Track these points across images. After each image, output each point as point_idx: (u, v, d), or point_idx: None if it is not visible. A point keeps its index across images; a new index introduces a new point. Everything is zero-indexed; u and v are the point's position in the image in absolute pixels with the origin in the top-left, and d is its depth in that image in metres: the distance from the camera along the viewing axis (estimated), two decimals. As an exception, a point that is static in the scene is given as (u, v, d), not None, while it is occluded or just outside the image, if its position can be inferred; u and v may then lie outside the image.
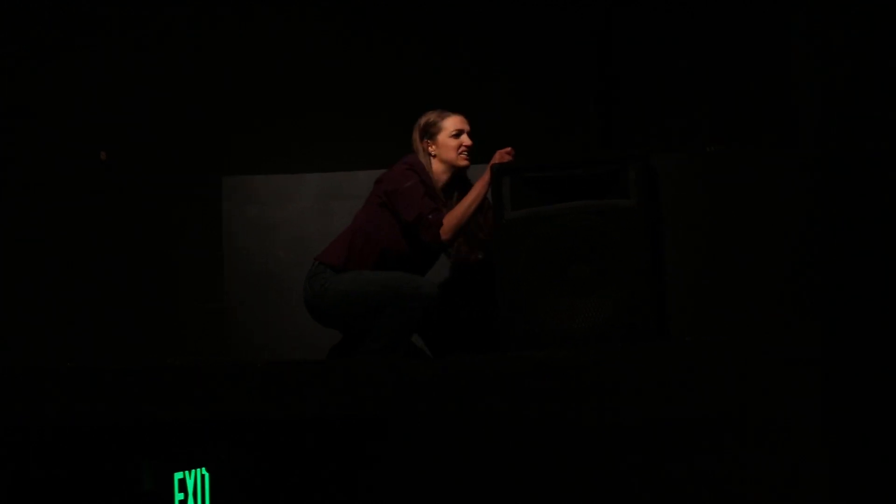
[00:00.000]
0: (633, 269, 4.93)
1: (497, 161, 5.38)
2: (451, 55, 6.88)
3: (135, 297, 6.73)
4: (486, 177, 5.41)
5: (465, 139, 5.70)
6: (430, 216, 5.50)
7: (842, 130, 3.92)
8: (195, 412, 4.31)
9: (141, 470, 4.14)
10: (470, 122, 5.74)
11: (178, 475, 4.18)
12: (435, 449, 4.38)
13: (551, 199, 5.11)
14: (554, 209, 5.06)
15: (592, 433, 4.27)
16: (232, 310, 6.73)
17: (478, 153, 5.70)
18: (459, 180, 5.75)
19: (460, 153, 5.69)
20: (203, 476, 4.28)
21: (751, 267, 6.13)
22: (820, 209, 4.02)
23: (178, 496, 4.16)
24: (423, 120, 5.74)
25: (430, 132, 5.71)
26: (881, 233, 3.84)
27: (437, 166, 5.71)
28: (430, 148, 5.71)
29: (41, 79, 6.70)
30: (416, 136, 5.74)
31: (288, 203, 6.79)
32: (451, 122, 5.70)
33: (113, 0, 6.85)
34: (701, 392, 4.19)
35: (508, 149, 5.46)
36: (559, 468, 4.29)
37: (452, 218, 5.49)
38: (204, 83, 6.91)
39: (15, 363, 5.52)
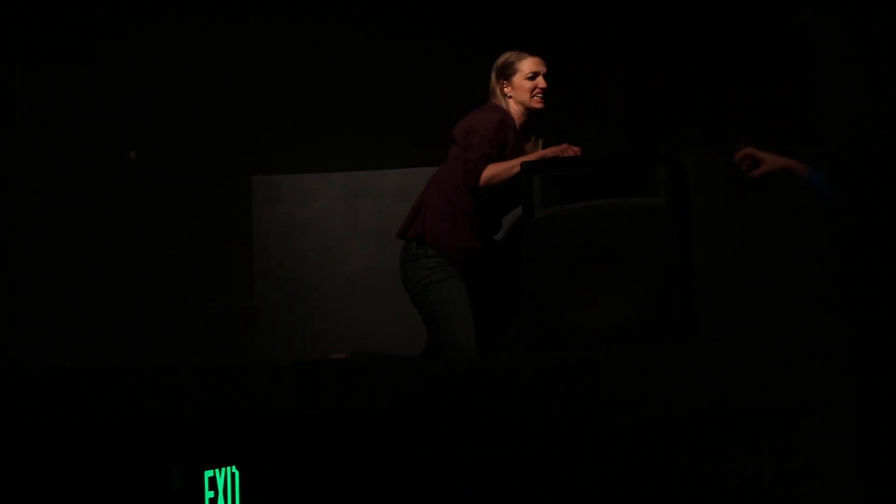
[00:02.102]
0: (660, 268, 4.92)
1: (559, 152, 5.37)
2: (476, 55, 6.88)
3: (163, 295, 6.76)
4: (544, 151, 5.40)
5: (541, 81, 5.60)
6: (476, 157, 5.45)
7: (867, 128, 3.91)
8: (225, 411, 4.32)
9: (170, 469, 4.15)
10: (547, 65, 5.65)
11: (208, 473, 4.19)
12: (461, 449, 4.38)
13: (580, 197, 5.11)
14: (582, 207, 5.06)
15: (619, 432, 4.27)
16: (260, 308, 6.75)
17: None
18: (537, 123, 5.67)
19: (534, 95, 5.59)
20: (233, 474, 4.29)
21: (778, 265, 6.12)
22: (845, 206, 4.01)
23: (209, 494, 4.18)
24: (500, 60, 5.65)
25: (506, 73, 5.62)
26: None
27: (513, 107, 5.62)
28: (505, 89, 5.62)
29: (73, 77, 6.73)
30: (493, 77, 5.65)
31: (314, 202, 6.81)
32: (527, 64, 5.62)
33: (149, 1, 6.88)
34: (726, 390, 4.19)
35: (576, 148, 5.43)
36: (584, 468, 4.29)
37: (492, 169, 5.42)
38: (233, 84, 6.93)
39: (44, 362, 5.55)
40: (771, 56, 6.54)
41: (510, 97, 5.61)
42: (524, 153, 5.57)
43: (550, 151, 5.42)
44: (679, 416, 4.18)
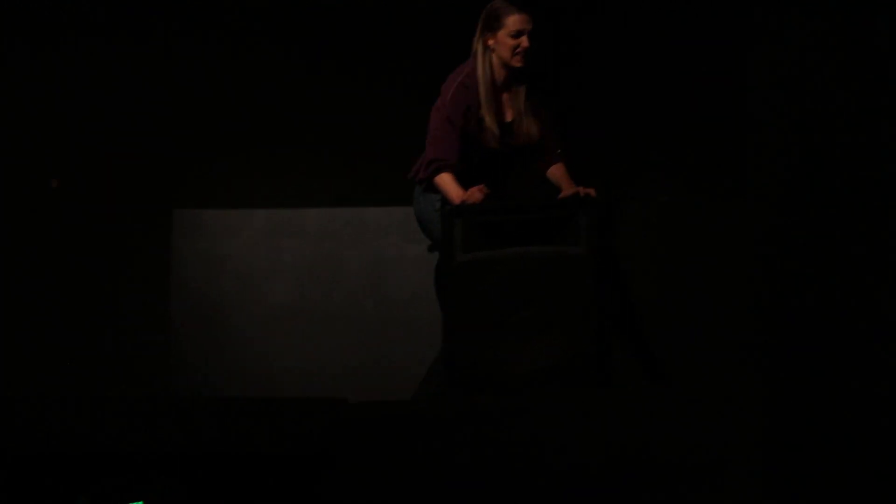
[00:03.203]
0: (579, 316, 4.93)
1: (469, 197, 5.31)
2: (397, 93, 6.86)
3: (80, 327, 6.69)
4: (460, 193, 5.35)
5: (524, 41, 5.39)
6: (426, 159, 5.40)
7: (790, 183, 3.95)
8: (135, 445, 4.28)
9: (77, 502, 4.10)
10: (533, 22, 5.43)
11: (116, 508, 4.14)
12: (370, 490, 4.36)
13: (502, 242, 5.12)
14: (505, 253, 5.07)
15: (529, 479, 4.27)
16: (177, 342, 6.70)
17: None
18: (517, 79, 5.49)
19: (516, 54, 5.40)
20: (142, 510, 4.25)
21: (702, 313, 6.16)
22: (768, 257, 4.05)
23: (117, 529, 4.13)
24: (487, 9, 5.45)
25: (491, 25, 5.43)
26: (827, 285, 3.87)
27: (494, 60, 5.45)
28: (489, 41, 5.44)
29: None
30: (479, 25, 5.47)
31: (236, 237, 6.78)
32: (513, 21, 5.40)
33: (69, 27, 6.82)
34: (642, 436, 4.20)
35: (481, 186, 5.36)
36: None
37: (440, 181, 5.35)
38: (156, 116, 6.88)
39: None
40: (697, 109, 6.60)
41: (492, 50, 5.45)
42: (502, 105, 5.48)
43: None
44: (590, 465, 4.19)
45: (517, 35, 5.40)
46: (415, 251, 6.35)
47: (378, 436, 4.33)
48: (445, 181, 5.34)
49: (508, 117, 5.48)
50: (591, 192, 5.28)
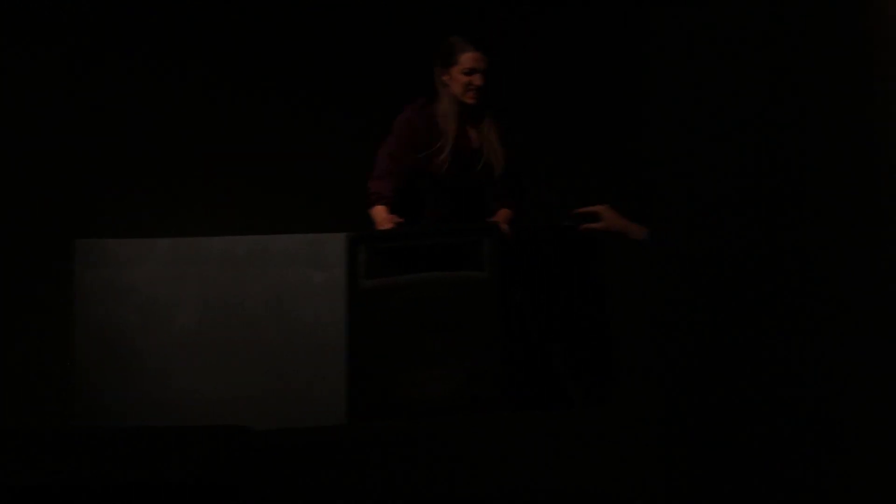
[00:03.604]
0: (482, 341, 4.97)
1: (386, 224, 5.36)
2: (300, 121, 6.86)
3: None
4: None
5: (476, 79, 5.47)
6: (369, 190, 5.47)
7: (688, 201, 4.00)
8: (38, 477, 4.24)
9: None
10: (487, 61, 5.51)
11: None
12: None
13: (406, 268, 5.14)
14: (408, 279, 5.09)
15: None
16: (81, 372, 6.64)
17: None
18: (474, 115, 5.56)
19: (468, 91, 5.47)
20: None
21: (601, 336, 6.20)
22: (668, 278, 4.09)
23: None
24: (443, 44, 5.54)
25: (446, 61, 5.52)
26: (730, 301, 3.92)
27: (449, 95, 5.52)
28: (443, 77, 5.52)
29: None
30: (436, 58, 5.54)
31: (139, 267, 6.74)
32: (466, 59, 5.48)
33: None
34: (544, 464, 4.23)
35: (394, 217, 5.40)
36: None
37: (374, 212, 5.45)
38: (58, 145, 6.84)
39: None
40: (599, 132, 6.66)
41: (447, 85, 5.52)
42: (469, 139, 5.54)
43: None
44: (490, 493, 4.21)
45: (470, 73, 5.48)
46: (319, 278, 6.36)
47: (281, 464, 4.33)
48: (375, 213, 5.44)
49: (466, 152, 5.52)
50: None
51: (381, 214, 5.41)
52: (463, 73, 5.48)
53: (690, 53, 3.81)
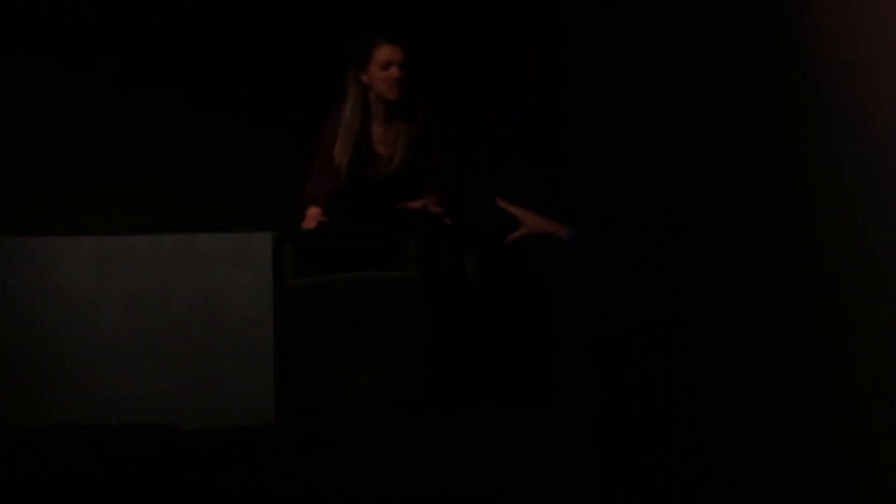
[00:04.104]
0: (409, 342, 4.98)
1: (305, 226, 5.36)
2: (223, 120, 6.82)
3: None
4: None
5: (394, 72, 5.39)
6: (304, 192, 5.47)
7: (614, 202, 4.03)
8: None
9: None
10: (404, 51, 5.43)
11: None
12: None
13: (333, 268, 5.15)
14: (335, 279, 5.10)
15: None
16: (4, 372, 6.59)
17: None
18: (400, 107, 5.49)
19: (389, 86, 5.40)
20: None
21: (529, 336, 6.23)
22: (593, 275, 4.12)
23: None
24: (356, 45, 5.47)
25: (361, 62, 5.44)
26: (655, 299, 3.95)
27: (372, 96, 5.45)
28: (362, 78, 5.44)
29: None
30: (352, 61, 5.47)
31: (63, 266, 6.70)
32: (381, 53, 5.40)
33: None
34: (471, 464, 4.25)
35: (318, 214, 5.38)
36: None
37: (306, 213, 5.45)
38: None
39: None
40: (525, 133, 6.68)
41: (368, 86, 5.45)
42: (382, 138, 5.51)
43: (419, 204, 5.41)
44: (416, 493, 4.22)
45: (387, 66, 5.41)
46: (246, 278, 6.35)
47: (208, 463, 4.32)
48: (307, 214, 5.41)
49: (387, 149, 5.49)
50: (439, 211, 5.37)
51: (309, 215, 5.41)
52: (381, 67, 5.41)
53: (613, 51, 3.84)
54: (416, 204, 5.39)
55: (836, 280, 3.22)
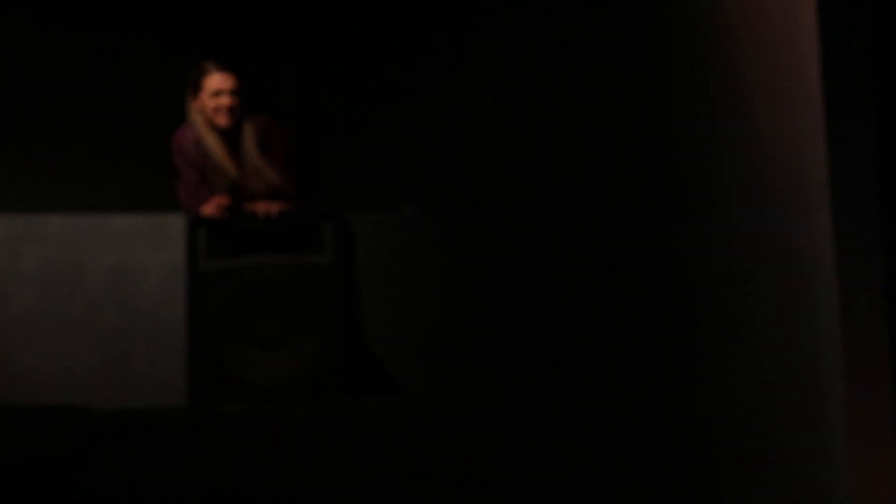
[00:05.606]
0: (323, 325, 5.01)
1: (210, 209, 5.32)
2: (142, 106, 6.79)
3: None
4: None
5: (224, 100, 5.41)
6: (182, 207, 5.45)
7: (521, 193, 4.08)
8: None
9: None
10: (235, 78, 5.46)
11: None
12: (117, 501, 4.35)
13: (247, 251, 5.15)
14: (248, 262, 5.11)
15: (272, 488, 4.32)
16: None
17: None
18: (236, 133, 5.48)
19: (217, 113, 5.40)
20: None
21: (444, 322, 6.28)
22: (502, 261, 4.17)
23: None
24: (190, 73, 5.48)
25: (195, 91, 5.46)
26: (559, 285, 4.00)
27: (200, 122, 5.46)
28: (195, 103, 5.46)
29: None
30: (187, 89, 5.48)
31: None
32: (211, 82, 5.43)
33: None
34: (379, 450, 4.28)
35: (218, 199, 5.37)
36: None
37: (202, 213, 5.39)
38: None
39: None
40: (444, 123, 6.72)
41: (200, 112, 5.46)
42: (230, 159, 5.47)
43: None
44: (322, 478, 4.24)
45: (216, 94, 5.43)
46: (160, 259, 6.33)
47: (120, 443, 4.32)
48: (210, 201, 5.37)
49: (235, 170, 5.47)
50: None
51: (212, 201, 5.36)
52: (210, 96, 5.43)
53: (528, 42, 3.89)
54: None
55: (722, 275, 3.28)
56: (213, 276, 5.10)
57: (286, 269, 5.07)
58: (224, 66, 5.48)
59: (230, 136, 5.49)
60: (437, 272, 6.38)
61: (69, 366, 6.34)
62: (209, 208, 5.31)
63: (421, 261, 6.42)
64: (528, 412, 4.05)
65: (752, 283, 3.07)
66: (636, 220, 3.62)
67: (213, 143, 5.45)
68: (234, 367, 5.02)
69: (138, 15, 6.82)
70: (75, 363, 6.39)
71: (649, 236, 3.55)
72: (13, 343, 6.52)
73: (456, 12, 6.59)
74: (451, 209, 6.58)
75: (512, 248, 4.22)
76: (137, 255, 6.46)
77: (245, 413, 4.44)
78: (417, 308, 6.35)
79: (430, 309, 6.35)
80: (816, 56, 2.85)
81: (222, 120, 5.43)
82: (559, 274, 3.97)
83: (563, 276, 3.95)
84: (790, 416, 2.93)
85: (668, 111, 3.50)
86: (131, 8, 6.82)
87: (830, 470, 2.78)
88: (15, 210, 6.68)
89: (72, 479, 4.30)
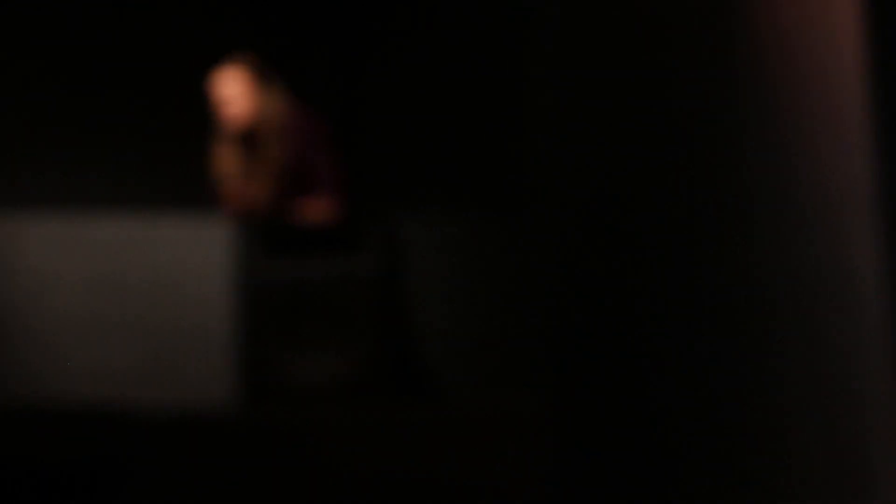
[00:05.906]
0: (371, 329, 5.02)
1: (236, 209, 5.39)
2: (97, 98, 6.80)
3: None
4: None
5: (224, 104, 5.54)
6: None
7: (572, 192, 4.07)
8: None
9: None
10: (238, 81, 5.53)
11: None
12: (164, 498, 4.36)
13: (296, 254, 5.18)
14: (298, 264, 5.13)
15: (318, 489, 4.32)
16: None
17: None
18: (252, 135, 5.58)
19: (225, 119, 5.52)
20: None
21: (489, 326, 6.27)
22: (553, 266, 4.16)
23: None
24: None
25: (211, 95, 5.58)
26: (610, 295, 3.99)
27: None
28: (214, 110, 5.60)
29: None
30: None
31: (27, 242, 6.69)
32: (214, 87, 5.58)
33: None
34: (435, 453, 4.28)
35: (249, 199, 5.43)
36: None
37: None
38: None
39: None
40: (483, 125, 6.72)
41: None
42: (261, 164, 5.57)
43: None
44: (373, 481, 4.25)
45: (220, 105, 5.53)
46: (207, 260, 6.35)
47: (165, 442, 4.34)
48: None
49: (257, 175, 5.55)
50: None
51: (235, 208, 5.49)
52: (218, 101, 5.55)
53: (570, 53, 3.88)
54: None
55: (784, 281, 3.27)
56: (263, 278, 5.12)
57: (333, 273, 5.09)
58: (227, 64, 5.54)
59: (248, 138, 5.53)
60: (487, 276, 6.37)
61: (115, 365, 6.38)
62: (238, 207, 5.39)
63: (473, 265, 6.41)
64: (574, 419, 4.05)
65: (809, 298, 3.06)
66: (686, 230, 3.60)
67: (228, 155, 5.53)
68: (282, 371, 5.04)
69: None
70: (121, 364, 6.43)
71: (698, 247, 3.54)
72: (64, 344, 6.56)
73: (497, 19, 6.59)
74: (498, 212, 6.58)
75: (567, 253, 4.20)
76: (183, 257, 6.49)
77: (293, 417, 4.45)
78: (467, 313, 6.35)
79: (481, 314, 6.35)
80: (862, 67, 2.84)
81: (231, 126, 5.50)
82: (614, 279, 3.96)
83: (619, 282, 3.94)
84: (840, 431, 2.92)
85: (723, 120, 3.48)
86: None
87: (878, 486, 2.77)
88: (63, 211, 6.73)
89: (117, 477, 4.32)
